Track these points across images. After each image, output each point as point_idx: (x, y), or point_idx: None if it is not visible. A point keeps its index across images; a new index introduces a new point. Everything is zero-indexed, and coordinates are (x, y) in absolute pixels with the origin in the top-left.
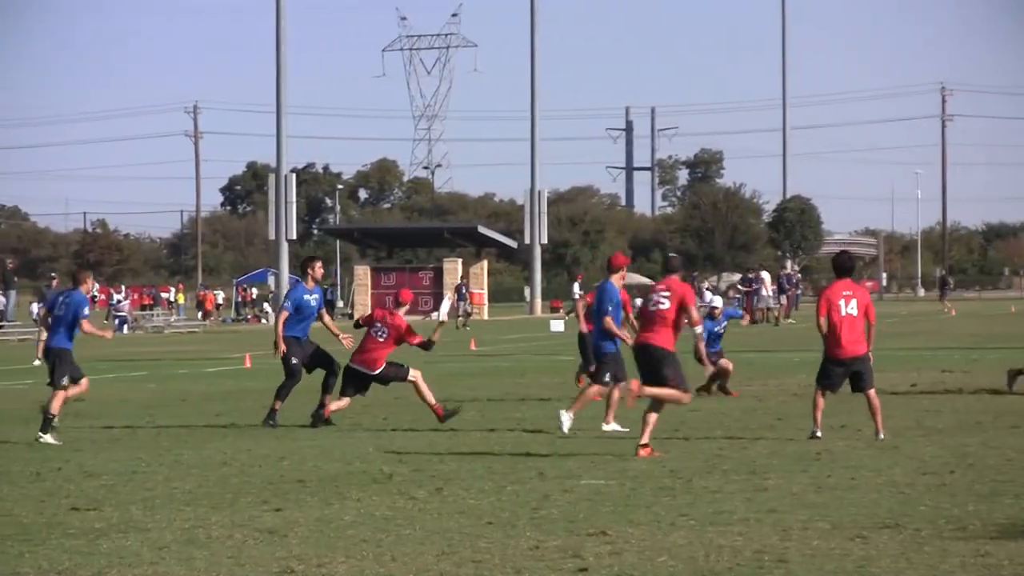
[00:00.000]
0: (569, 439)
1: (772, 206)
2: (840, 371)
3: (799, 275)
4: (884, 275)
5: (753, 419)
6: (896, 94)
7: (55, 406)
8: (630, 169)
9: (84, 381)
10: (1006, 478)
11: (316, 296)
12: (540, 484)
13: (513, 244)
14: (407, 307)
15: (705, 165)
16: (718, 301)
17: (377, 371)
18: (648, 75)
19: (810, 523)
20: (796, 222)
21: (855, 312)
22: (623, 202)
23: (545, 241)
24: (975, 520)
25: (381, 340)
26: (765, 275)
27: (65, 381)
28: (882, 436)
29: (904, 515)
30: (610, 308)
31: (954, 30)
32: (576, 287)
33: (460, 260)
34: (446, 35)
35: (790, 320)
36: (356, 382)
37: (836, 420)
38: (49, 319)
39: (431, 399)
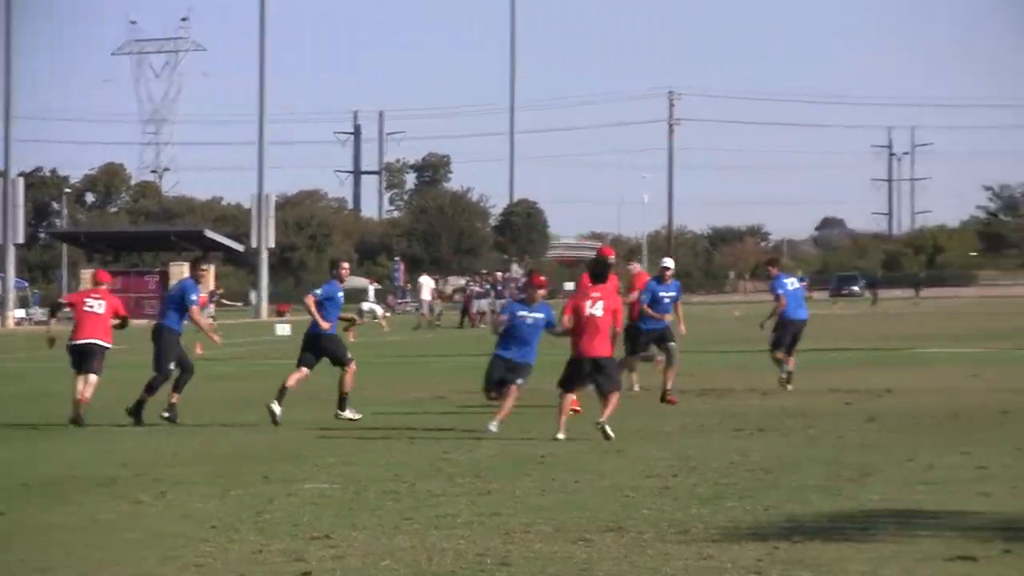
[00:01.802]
0: (292, 441)
1: (499, 210)
2: (584, 371)
3: (524, 279)
4: None
5: (479, 422)
6: (624, 98)
7: (347, 383)
8: (358, 173)
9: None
10: (729, 481)
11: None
12: (264, 488)
13: (240, 248)
14: (106, 286)
15: (432, 169)
16: (669, 261)
17: (111, 343)
18: (376, 79)
19: (533, 526)
20: (523, 226)
21: (599, 313)
22: (351, 206)
23: (272, 245)
24: (698, 523)
25: (101, 312)
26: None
27: (349, 355)
28: (602, 420)
29: (627, 518)
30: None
31: (681, 34)
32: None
33: (187, 264)
34: (175, 39)
35: None
36: (89, 357)
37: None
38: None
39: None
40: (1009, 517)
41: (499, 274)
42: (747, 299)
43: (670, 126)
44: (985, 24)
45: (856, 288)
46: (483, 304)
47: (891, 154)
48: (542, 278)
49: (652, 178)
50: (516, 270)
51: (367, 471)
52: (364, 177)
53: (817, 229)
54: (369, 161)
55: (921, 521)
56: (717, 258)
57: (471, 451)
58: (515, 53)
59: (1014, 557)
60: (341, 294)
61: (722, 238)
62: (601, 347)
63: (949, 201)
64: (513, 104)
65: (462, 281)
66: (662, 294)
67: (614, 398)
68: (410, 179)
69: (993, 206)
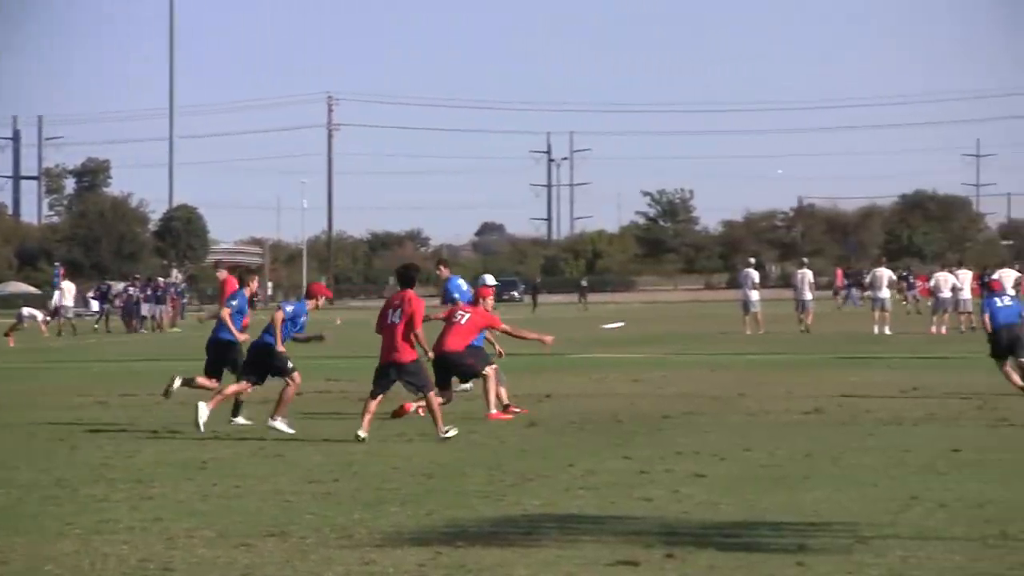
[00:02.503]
0: None
1: (159, 215)
2: (385, 379)
3: (184, 284)
4: (270, 284)
5: (139, 428)
6: (283, 103)
7: (231, 390)
8: (17, 178)
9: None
10: (391, 486)
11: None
12: None
13: None
14: None
15: (92, 174)
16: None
17: None
18: (35, 84)
19: (195, 531)
20: (183, 231)
21: (398, 320)
22: (10, 211)
23: None
24: (360, 528)
25: None
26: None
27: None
28: (439, 434)
29: (290, 523)
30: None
31: (340, 39)
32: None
33: None
34: None
35: (176, 328)
36: None
37: (221, 429)
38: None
39: None
40: (671, 522)
41: (160, 280)
42: None
43: (329, 131)
44: (635, 28)
45: (516, 293)
46: (144, 309)
47: (550, 160)
48: (320, 284)
49: (311, 183)
50: (176, 275)
51: (29, 476)
52: (23, 182)
53: (477, 234)
54: (29, 167)
55: (583, 526)
56: (377, 263)
57: (133, 456)
58: (174, 58)
59: (676, 562)
60: (235, 302)
61: (382, 243)
62: (402, 353)
63: (609, 206)
64: (172, 109)
65: (121, 286)
66: None
67: (433, 401)
68: (70, 184)
69: (652, 212)
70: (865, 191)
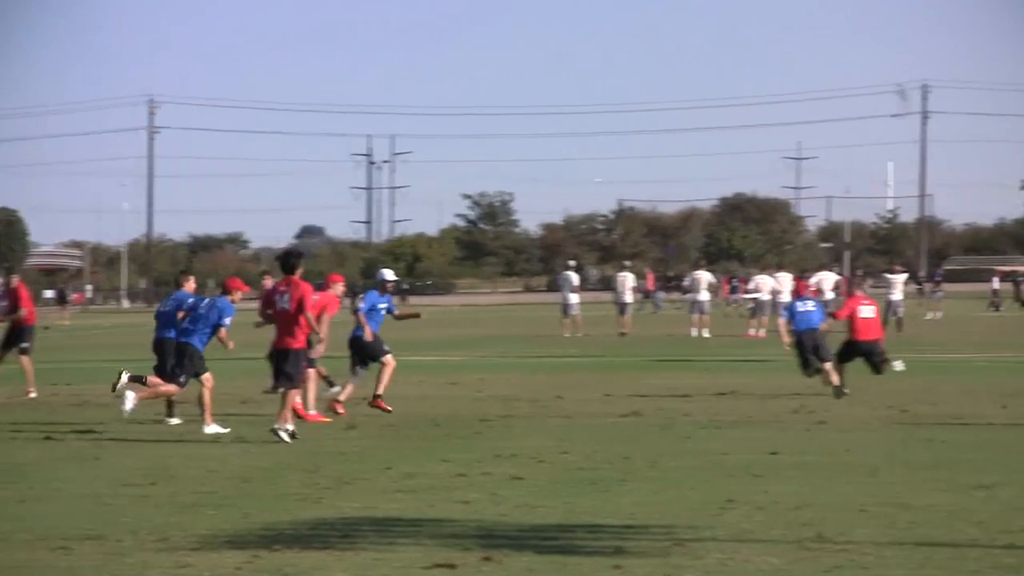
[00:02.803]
0: None
1: None
2: (276, 365)
3: (2, 288)
4: (90, 287)
5: None
6: (104, 106)
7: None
8: None
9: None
10: (207, 489)
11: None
12: None
13: None
14: None
15: None
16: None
17: None
18: None
19: (12, 535)
20: (2, 235)
21: (287, 306)
22: None
23: None
24: (177, 531)
25: None
26: None
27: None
28: (275, 425)
29: (106, 526)
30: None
31: (161, 42)
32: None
33: None
34: None
35: None
36: None
37: (40, 431)
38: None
39: None
40: (488, 524)
41: None
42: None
43: (150, 134)
44: (456, 31)
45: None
46: None
47: (371, 163)
48: (237, 280)
49: (132, 186)
50: None
51: None
52: None
53: (297, 237)
54: None
55: (401, 529)
56: (197, 266)
57: None
58: None
59: (493, 564)
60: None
61: (202, 246)
62: (295, 339)
63: (429, 209)
64: None
65: None
66: (381, 306)
67: (288, 398)
68: None
69: (472, 214)
70: (685, 194)
